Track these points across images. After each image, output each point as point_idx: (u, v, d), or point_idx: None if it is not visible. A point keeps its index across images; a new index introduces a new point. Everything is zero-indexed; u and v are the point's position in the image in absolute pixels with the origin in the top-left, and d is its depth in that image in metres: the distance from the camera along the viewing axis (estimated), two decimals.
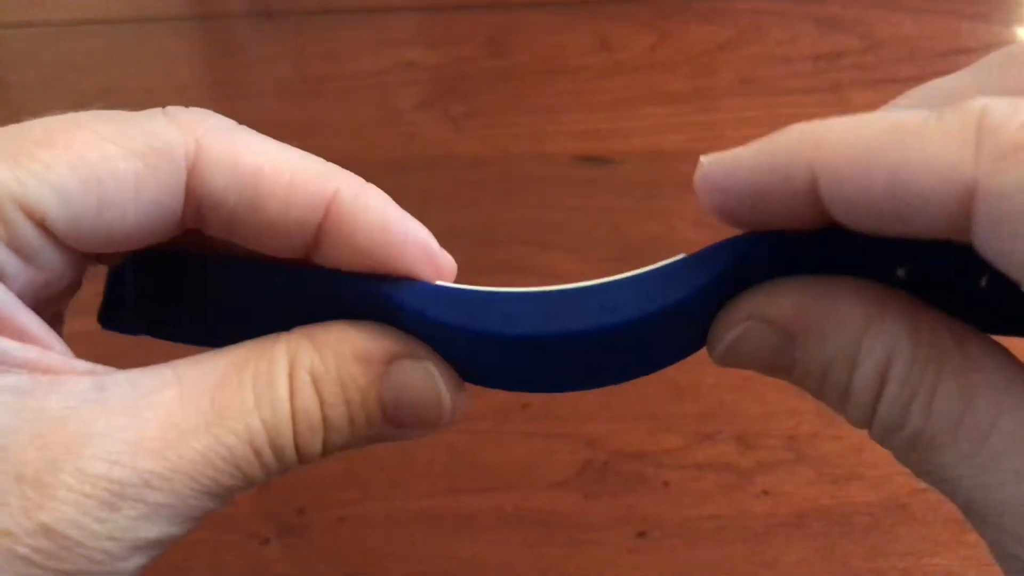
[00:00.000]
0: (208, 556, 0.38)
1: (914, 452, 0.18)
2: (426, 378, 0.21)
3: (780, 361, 0.19)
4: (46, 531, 0.17)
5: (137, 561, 0.18)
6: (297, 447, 0.20)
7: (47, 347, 0.19)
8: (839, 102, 0.56)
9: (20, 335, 0.19)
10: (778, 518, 0.39)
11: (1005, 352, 0.18)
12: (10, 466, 0.17)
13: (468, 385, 0.22)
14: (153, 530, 0.18)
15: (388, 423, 0.21)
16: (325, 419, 0.20)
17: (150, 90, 0.62)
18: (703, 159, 0.19)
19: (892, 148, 0.16)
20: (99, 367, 0.20)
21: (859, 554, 0.37)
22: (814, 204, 0.17)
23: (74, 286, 0.22)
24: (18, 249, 0.19)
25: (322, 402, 0.20)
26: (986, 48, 0.60)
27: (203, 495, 0.19)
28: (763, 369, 0.20)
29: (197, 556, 0.38)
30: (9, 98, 0.65)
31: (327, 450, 0.20)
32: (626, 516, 0.39)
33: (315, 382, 0.20)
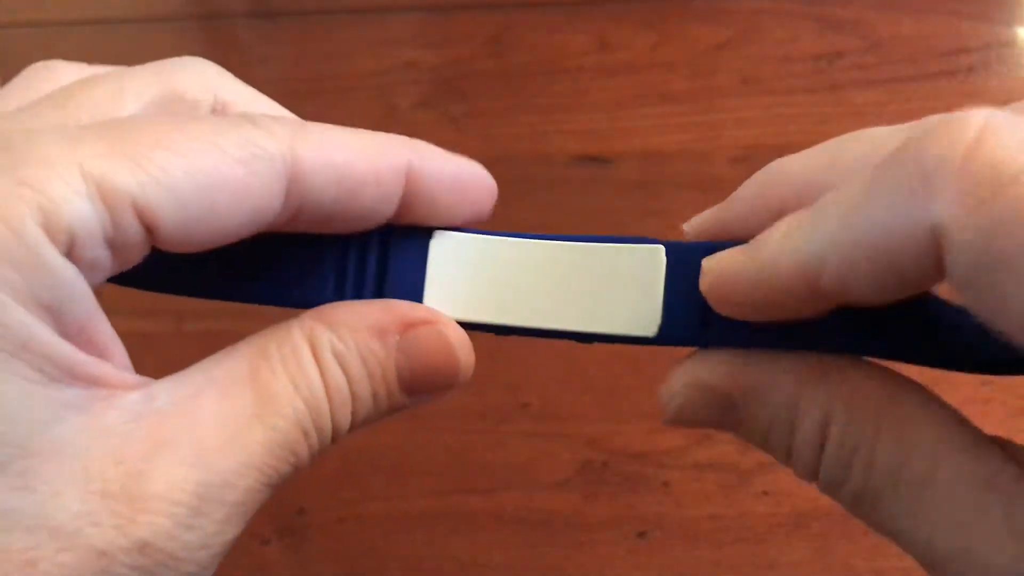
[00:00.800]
0: None
1: (859, 507, 0.19)
2: (440, 341, 0.21)
3: (726, 422, 0.20)
4: (143, 547, 0.17)
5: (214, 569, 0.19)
6: (334, 424, 0.20)
7: (112, 356, 0.20)
8: (839, 102, 0.56)
9: (91, 344, 0.18)
10: (778, 518, 0.39)
11: (941, 403, 0.18)
12: (94, 484, 0.17)
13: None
14: (233, 532, 0.19)
15: (405, 392, 0.21)
16: (353, 394, 0.20)
17: None
18: (708, 266, 0.20)
19: (853, 227, 0.16)
20: (140, 377, 0.19)
21: (859, 554, 0.37)
22: (817, 299, 0.18)
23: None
24: (118, 249, 0.18)
25: (349, 378, 0.20)
26: (986, 48, 0.60)
27: (267, 487, 0.19)
28: (713, 428, 0.21)
29: None
30: None
31: (354, 425, 0.21)
32: (626, 516, 0.39)
33: (338, 360, 0.20)
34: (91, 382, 0.18)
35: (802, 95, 0.57)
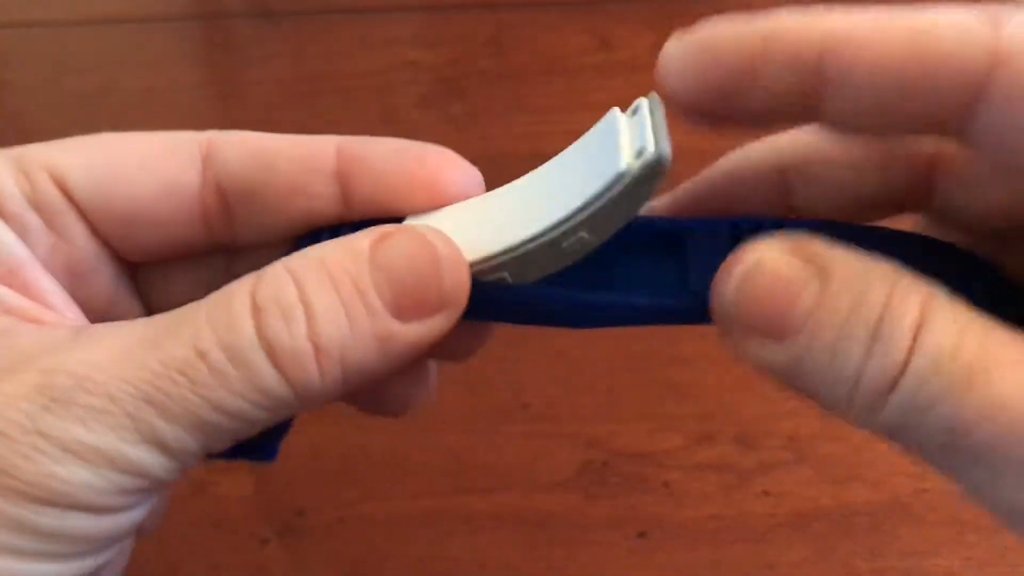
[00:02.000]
0: (208, 556, 0.38)
1: (969, 388, 0.16)
2: (415, 239, 0.19)
3: (799, 300, 0.17)
4: None
5: (78, 474, 0.17)
6: (266, 339, 0.18)
7: (51, 307, 0.20)
8: None
9: (24, 288, 0.20)
10: (779, 518, 0.39)
11: None
12: None
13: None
14: (92, 436, 0.17)
15: (391, 310, 0.19)
16: (307, 303, 0.18)
17: (150, 90, 0.62)
18: (681, 42, 0.18)
19: (909, 17, 0.16)
20: (83, 320, 0.20)
21: (860, 554, 0.37)
22: (810, 88, 0.17)
23: (116, 297, 0.22)
24: (40, 208, 0.20)
25: (300, 288, 0.18)
26: None
27: (144, 403, 0.17)
28: (772, 313, 0.17)
29: (196, 556, 0.38)
30: (9, 98, 0.65)
31: (322, 351, 0.18)
32: (626, 516, 0.39)
33: (290, 272, 0.18)
34: (20, 315, 0.19)
35: None
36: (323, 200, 0.21)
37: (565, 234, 0.20)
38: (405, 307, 0.19)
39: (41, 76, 0.64)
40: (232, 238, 0.22)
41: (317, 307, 0.18)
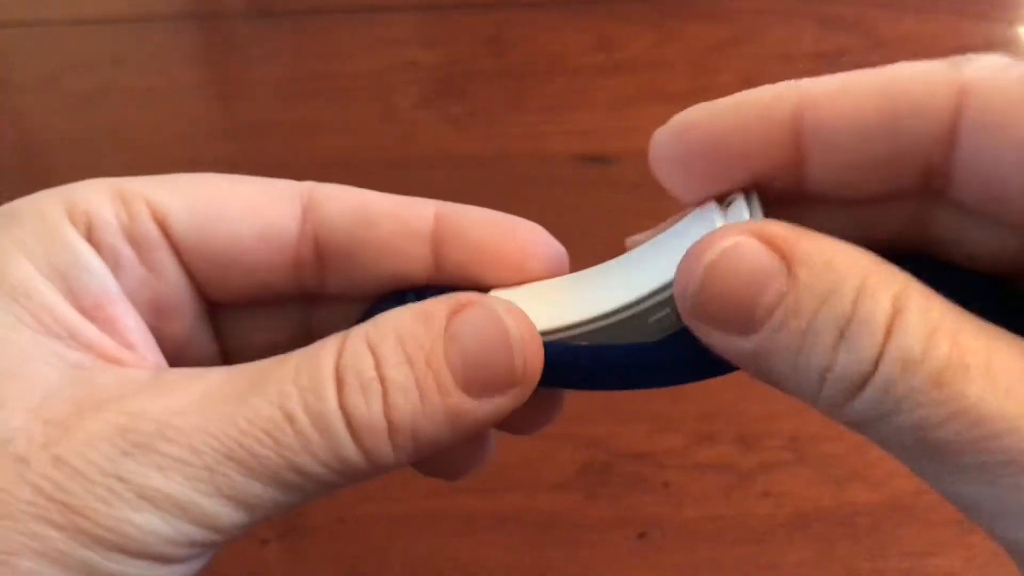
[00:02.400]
0: None
1: (944, 388, 0.15)
2: (489, 317, 0.19)
3: (765, 292, 0.17)
4: (57, 461, 0.17)
5: (152, 522, 0.17)
6: (345, 411, 0.18)
7: (131, 346, 0.20)
8: None
9: (108, 323, 0.20)
10: (779, 519, 0.39)
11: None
12: (42, 413, 0.18)
13: None
14: (170, 485, 0.17)
15: (463, 389, 0.19)
16: (384, 379, 0.18)
17: (150, 90, 0.62)
18: (676, 116, 0.18)
19: (877, 72, 0.17)
20: (161, 362, 0.21)
21: (860, 555, 0.37)
22: (788, 146, 0.17)
23: (193, 336, 0.22)
24: (136, 241, 0.20)
25: (378, 361, 0.18)
26: (986, 47, 0.59)
27: (226, 458, 0.18)
28: (738, 306, 0.17)
29: None
30: (9, 98, 0.64)
31: (394, 423, 0.18)
32: (626, 517, 0.39)
33: (369, 344, 0.19)
34: (99, 352, 0.19)
35: None
36: (416, 263, 0.21)
37: (653, 308, 0.20)
38: (476, 384, 0.19)
39: (42, 76, 0.64)
40: (319, 288, 0.22)
41: (392, 383, 0.18)
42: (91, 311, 0.20)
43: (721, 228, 0.17)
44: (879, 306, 0.16)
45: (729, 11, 0.63)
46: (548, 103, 0.58)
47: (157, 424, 0.18)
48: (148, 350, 0.21)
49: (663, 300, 0.20)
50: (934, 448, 0.16)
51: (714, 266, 0.17)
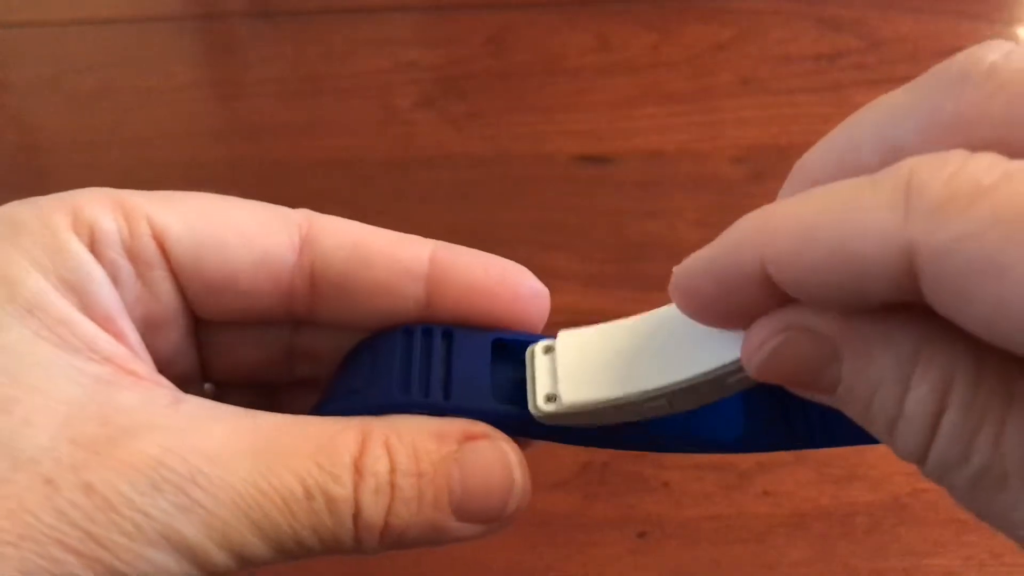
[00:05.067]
0: None
1: (976, 492, 0.16)
2: (499, 457, 0.21)
3: (822, 378, 0.17)
4: (87, 488, 0.17)
5: (167, 561, 0.18)
6: (358, 508, 0.19)
7: (139, 358, 0.20)
8: (839, 102, 0.56)
9: (118, 336, 0.20)
10: (778, 518, 0.39)
11: None
12: (68, 432, 0.18)
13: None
14: (188, 529, 0.18)
15: (453, 510, 0.20)
16: (395, 487, 0.20)
17: (150, 90, 0.62)
18: (675, 269, 0.19)
19: (829, 223, 0.16)
20: (173, 387, 0.21)
21: (860, 554, 0.37)
22: (774, 290, 0.17)
23: (178, 341, 0.22)
24: (135, 257, 0.20)
25: (393, 468, 0.20)
26: None
27: (247, 522, 0.18)
28: (803, 385, 0.18)
29: None
30: (9, 98, 0.65)
31: (389, 526, 0.20)
32: (626, 516, 0.39)
33: (388, 448, 0.20)
34: (117, 365, 0.19)
35: (802, 95, 0.57)
36: (409, 301, 0.22)
37: (650, 398, 0.20)
38: (466, 512, 0.20)
39: (42, 76, 0.64)
40: (309, 316, 0.23)
41: (400, 491, 0.20)
42: (103, 324, 0.20)
43: (767, 319, 0.18)
44: (920, 407, 0.16)
45: (729, 11, 0.63)
46: (548, 103, 0.58)
47: (188, 466, 0.18)
48: (146, 359, 0.21)
49: (663, 394, 0.20)
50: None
51: (772, 357, 0.18)
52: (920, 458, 0.16)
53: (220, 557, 0.18)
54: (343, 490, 0.19)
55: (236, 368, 0.24)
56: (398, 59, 0.62)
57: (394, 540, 0.20)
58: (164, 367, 0.22)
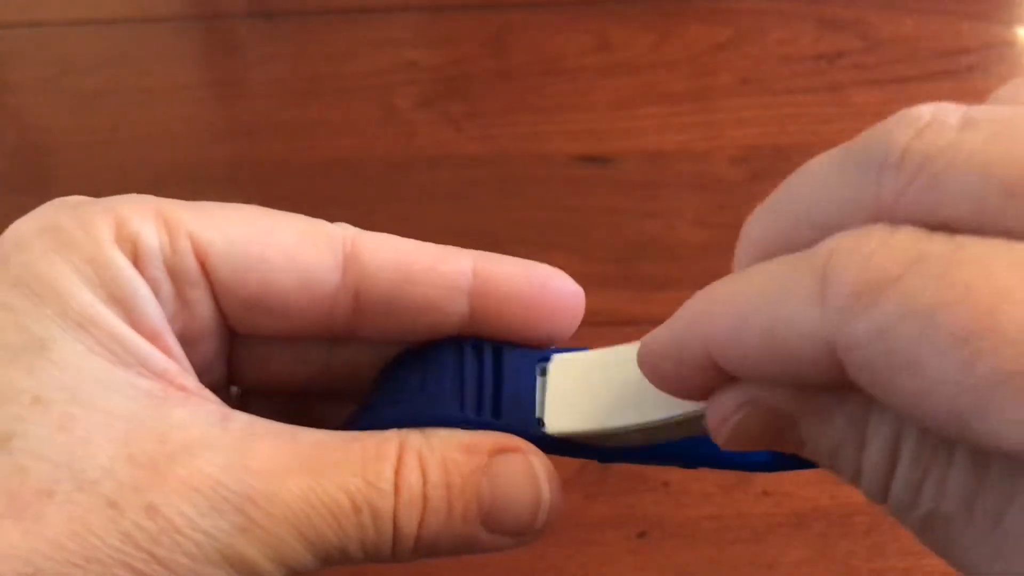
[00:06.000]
0: None
1: (928, 533, 0.17)
2: (527, 471, 0.21)
3: (787, 442, 0.18)
4: (151, 510, 0.18)
5: None
6: (396, 520, 0.20)
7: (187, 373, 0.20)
8: (839, 102, 0.56)
9: (166, 351, 0.20)
10: (778, 518, 0.39)
11: None
12: (127, 449, 0.18)
13: None
14: (248, 549, 0.18)
15: (482, 521, 0.21)
16: (426, 498, 0.20)
17: (150, 90, 0.62)
18: (642, 341, 0.19)
19: (758, 312, 0.16)
20: (221, 402, 0.21)
21: (859, 554, 0.37)
22: (724, 371, 0.18)
23: (212, 355, 0.22)
24: (175, 274, 0.20)
25: (425, 481, 0.20)
26: (986, 48, 0.60)
27: (299, 536, 0.19)
28: (772, 448, 0.19)
29: None
30: (9, 98, 0.65)
31: (421, 537, 0.20)
32: (626, 516, 0.39)
33: (420, 460, 0.20)
34: (169, 381, 0.19)
35: (802, 95, 0.57)
36: (453, 316, 0.22)
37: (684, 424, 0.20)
38: (495, 524, 0.21)
39: (41, 76, 0.64)
40: (350, 333, 0.22)
41: (431, 502, 0.20)
42: (152, 339, 0.20)
43: (724, 395, 0.19)
44: (875, 461, 0.17)
45: (729, 11, 0.63)
46: (548, 103, 0.59)
47: (244, 485, 0.18)
48: (190, 373, 0.21)
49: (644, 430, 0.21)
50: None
51: (734, 434, 0.18)
52: (882, 502, 0.18)
53: (272, 570, 0.19)
54: (386, 503, 0.20)
55: (269, 378, 0.24)
56: (398, 59, 0.62)
57: (426, 550, 0.20)
58: (199, 375, 0.22)
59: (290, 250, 0.21)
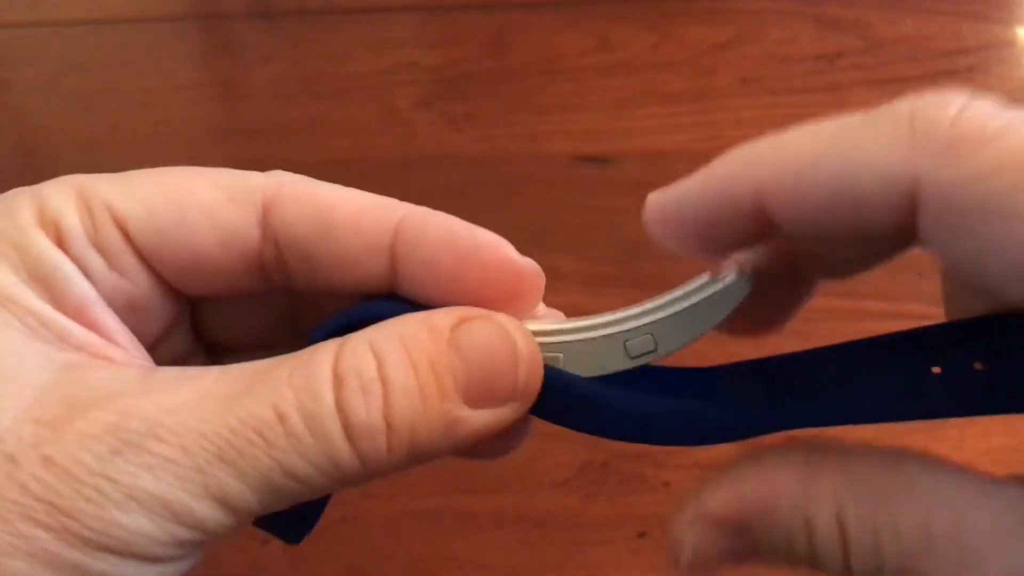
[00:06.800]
0: (208, 555, 0.38)
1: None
2: (496, 331, 0.19)
3: (746, 550, 0.19)
4: (46, 462, 0.17)
5: (140, 523, 0.17)
6: (343, 412, 0.18)
7: (118, 346, 0.20)
8: (839, 102, 0.56)
9: (92, 325, 0.20)
10: None
11: (940, 460, 0.18)
12: (33, 413, 0.18)
13: None
14: (156, 485, 0.17)
15: (462, 395, 0.19)
16: (386, 379, 0.18)
17: (150, 90, 0.62)
18: (650, 196, 0.19)
19: (831, 153, 0.17)
20: (150, 361, 0.20)
21: None
22: (762, 221, 0.18)
23: (172, 328, 0.22)
24: (102, 247, 0.20)
25: (381, 363, 0.18)
26: (986, 48, 0.60)
27: (216, 459, 0.18)
28: (731, 563, 0.19)
29: None
30: (9, 98, 0.65)
31: (393, 426, 0.18)
32: (626, 516, 0.39)
33: (372, 346, 0.19)
34: (90, 352, 0.19)
35: (802, 95, 0.57)
36: (376, 274, 0.21)
37: (631, 331, 0.20)
38: (477, 395, 0.19)
39: (42, 76, 0.64)
40: (288, 286, 0.22)
41: (394, 385, 0.18)
42: (74, 315, 0.20)
43: (684, 510, 0.19)
44: (823, 537, 0.17)
45: (728, 12, 0.63)
46: (548, 103, 0.59)
47: (148, 423, 0.18)
48: (134, 348, 0.21)
49: (645, 324, 0.20)
50: None
51: (695, 563, 0.19)
52: None
53: (205, 509, 0.18)
54: (321, 403, 0.18)
55: (241, 347, 0.23)
56: (398, 59, 0.62)
57: (407, 446, 0.19)
58: (163, 351, 0.22)
59: (208, 209, 0.21)
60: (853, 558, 0.17)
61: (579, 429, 0.21)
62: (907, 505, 0.17)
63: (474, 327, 0.19)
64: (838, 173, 0.16)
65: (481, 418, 0.19)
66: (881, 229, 0.16)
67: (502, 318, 0.20)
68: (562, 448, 0.41)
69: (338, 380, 0.18)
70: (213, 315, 0.23)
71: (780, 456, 0.18)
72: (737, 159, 0.18)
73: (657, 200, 0.19)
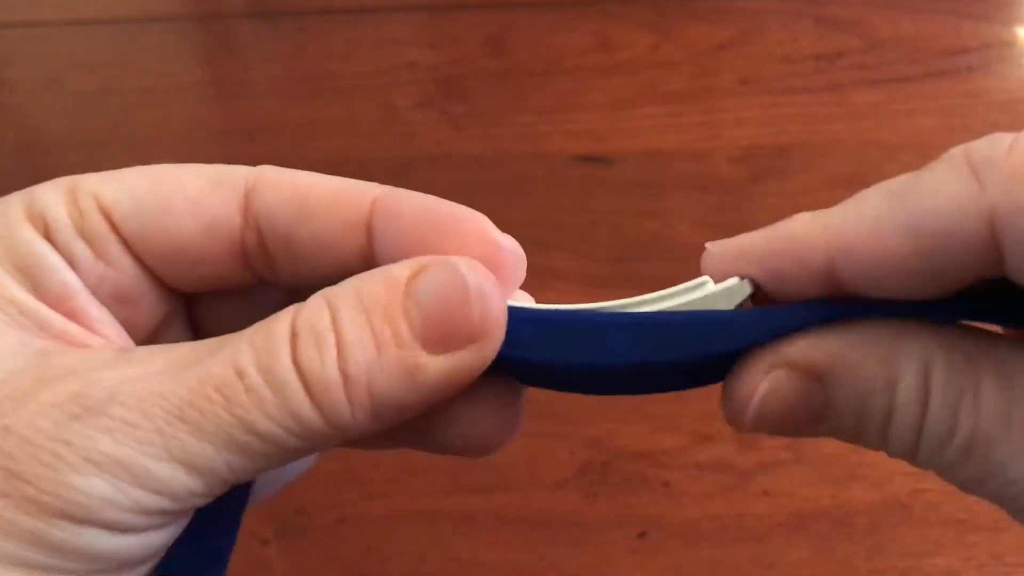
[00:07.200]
0: None
1: (971, 458, 0.18)
2: (450, 273, 0.19)
3: (811, 408, 0.19)
4: (5, 431, 0.17)
5: (99, 486, 0.17)
6: (299, 366, 0.18)
7: (99, 335, 0.20)
8: (839, 102, 0.56)
9: (72, 315, 0.20)
10: (778, 518, 0.39)
11: None
12: (2, 391, 0.18)
13: None
14: (115, 448, 0.17)
15: (420, 340, 0.19)
16: (338, 330, 0.18)
17: (150, 90, 0.62)
18: (708, 245, 0.20)
19: (900, 209, 0.17)
20: (130, 344, 0.21)
21: (859, 554, 0.37)
22: (830, 281, 0.18)
23: (166, 324, 0.22)
24: (88, 237, 0.21)
25: (334, 315, 0.18)
26: (986, 48, 0.60)
27: (177, 419, 0.17)
28: (793, 425, 0.19)
29: None
30: (9, 98, 0.65)
31: (351, 379, 0.18)
32: (626, 516, 0.39)
33: (327, 301, 0.19)
34: (68, 340, 0.20)
35: (802, 95, 0.57)
36: (355, 254, 0.21)
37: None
38: (433, 337, 0.19)
39: (42, 76, 0.64)
40: (273, 276, 0.22)
41: (347, 335, 0.18)
42: (56, 304, 0.20)
43: (756, 358, 0.19)
44: (908, 395, 0.18)
45: (729, 11, 0.63)
46: (548, 103, 0.59)
47: (110, 390, 0.18)
48: (118, 338, 0.21)
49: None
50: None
51: (761, 407, 0.19)
52: (912, 447, 0.18)
53: (168, 472, 0.17)
54: (278, 358, 0.18)
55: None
56: (398, 59, 0.62)
57: (368, 396, 0.18)
58: (151, 341, 0.22)
59: (191, 198, 0.21)
60: (928, 420, 0.18)
61: (559, 370, 0.20)
62: (994, 383, 0.18)
63: (428, 273, 0.19)
64: (914, 224, 0.17)
65: (442, 364, 0.19)
66: (967, 266, 0.17)
67: (457, 259, 0.19)
68: (562, 448, 0.41)
69: (294, 335, 0.18)
70: (208, 313, 0.23)
71: (871, 322, 0.19)
72: (800, 226, 0.19)
73: (718, 249, 0.20)
